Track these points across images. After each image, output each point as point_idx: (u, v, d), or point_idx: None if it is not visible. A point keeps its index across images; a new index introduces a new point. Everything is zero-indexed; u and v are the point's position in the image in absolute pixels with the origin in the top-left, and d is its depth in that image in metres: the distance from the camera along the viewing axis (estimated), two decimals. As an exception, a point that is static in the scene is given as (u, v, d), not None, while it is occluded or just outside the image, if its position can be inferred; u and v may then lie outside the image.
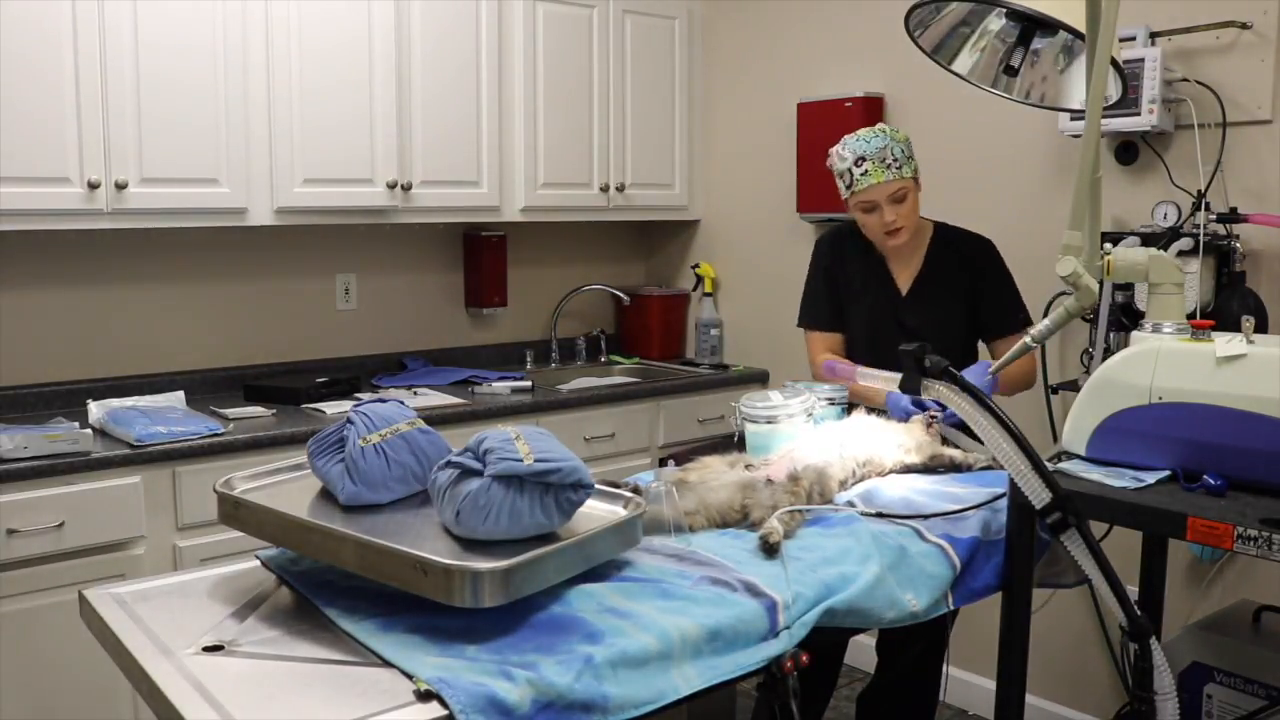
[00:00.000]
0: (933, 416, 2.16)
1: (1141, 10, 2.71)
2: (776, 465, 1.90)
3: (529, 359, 3.95)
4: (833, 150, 2.50)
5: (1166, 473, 1.71)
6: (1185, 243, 2.57)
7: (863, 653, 3.63)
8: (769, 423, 2.04)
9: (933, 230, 2.58)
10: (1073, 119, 2.82)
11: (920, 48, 2.02)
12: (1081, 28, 1.77)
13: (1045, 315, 3.00)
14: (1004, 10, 1.87)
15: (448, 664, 1.25)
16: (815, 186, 3.60)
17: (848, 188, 2.45)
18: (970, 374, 2.12)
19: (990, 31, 1.96)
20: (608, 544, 1.49)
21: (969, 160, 3.24)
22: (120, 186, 2.76)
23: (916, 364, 1.66)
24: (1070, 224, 1.92)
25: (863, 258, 2.58)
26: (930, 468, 2.05)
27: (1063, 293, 2.99)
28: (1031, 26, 1.92)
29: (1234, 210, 2.58)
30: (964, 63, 2.02)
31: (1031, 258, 3.10)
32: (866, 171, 2.41)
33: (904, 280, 2.56)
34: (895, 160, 2.42)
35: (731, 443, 2.14)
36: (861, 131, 2.48)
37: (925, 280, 2.55)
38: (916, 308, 2.53)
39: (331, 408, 3.07)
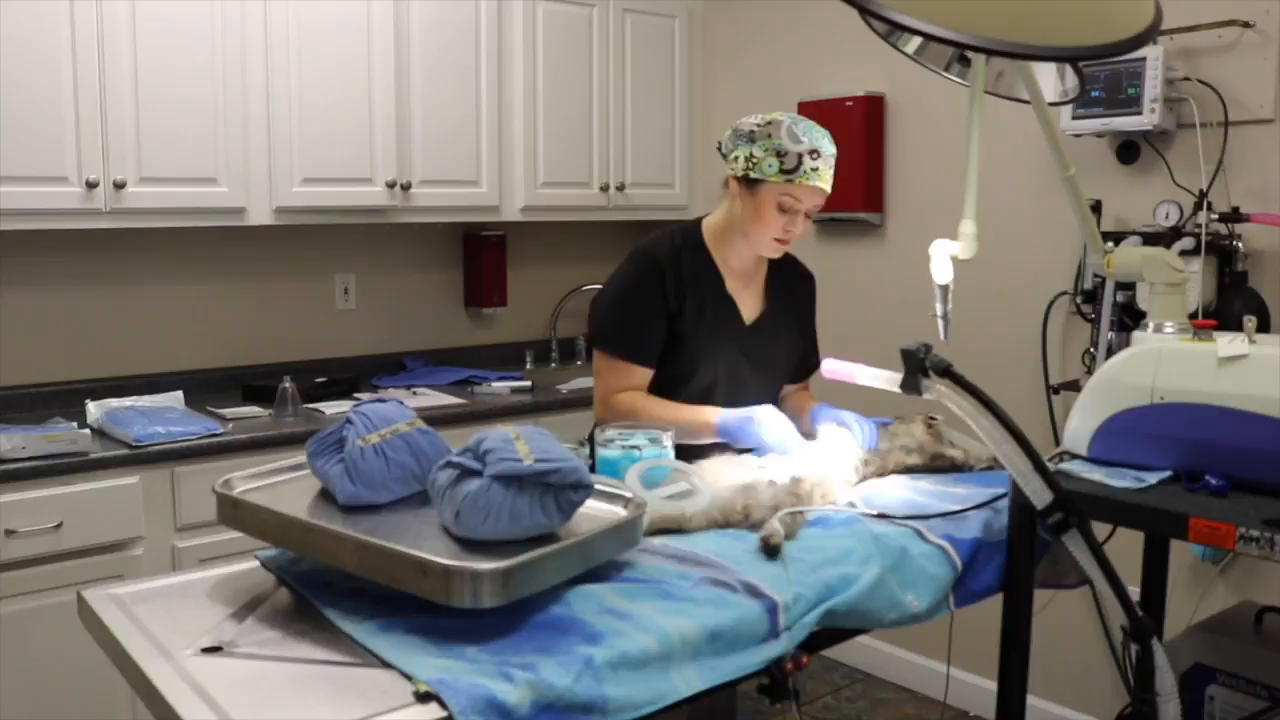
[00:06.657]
0: None
1: (1143, 9, 2.70)
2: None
3: (529, 359, 3.95)
4: (778, 120, 2.09)
5: (1168, 473, 1.71)
6: (1187, 242, 2.56)
7: (863, 652, 3.63)
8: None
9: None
10: (1074, 118, 2.82)
11: (873, 29, 1.97)
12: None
13: (1045, 316, 3.02)
14: None
15: (447, 665, 1.24)
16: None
17: (783, 172, 2.05)
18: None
19: None
20: (608, 544, 1.49)
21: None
22: (119, 186, 2.76)
23: (917, 364, 1.66)
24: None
25: (703, 279, 2.19)
26: (931, 468, 2.04)
27: (1063, 293, 2.99)
28: None
29: (1236, 210, 2.58)
30: (918, 43, 1.97)
31: (1031, 258, 3.10)
32: (819, 169, 2.06)
33: (749, 311, 2.25)
34: (834, 173, 2.12)
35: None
36: (812, 122, 2.13)
37: (770, 312, 2.28)
38: (760, 342, 2.25)
39: (331, 408, 3.07)
